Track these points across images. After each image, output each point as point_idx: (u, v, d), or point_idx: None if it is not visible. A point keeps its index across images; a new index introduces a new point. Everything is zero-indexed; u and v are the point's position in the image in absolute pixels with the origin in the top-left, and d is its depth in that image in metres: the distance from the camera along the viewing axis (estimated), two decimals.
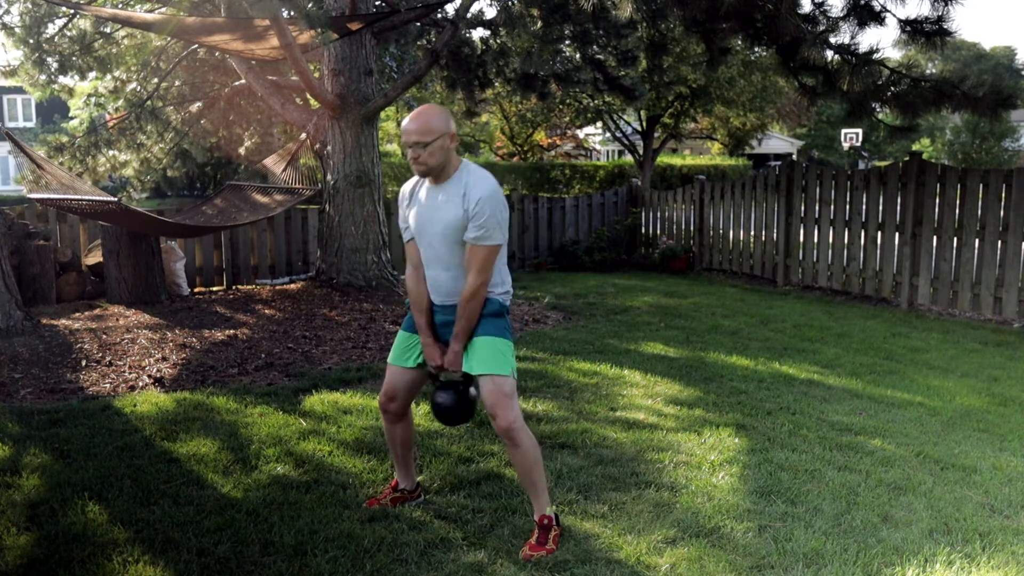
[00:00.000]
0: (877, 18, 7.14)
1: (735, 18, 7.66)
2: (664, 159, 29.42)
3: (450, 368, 3.20)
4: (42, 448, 4.12)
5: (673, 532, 3.26)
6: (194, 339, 6.58)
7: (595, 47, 9.81)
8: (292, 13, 6.87)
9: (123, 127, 10.77)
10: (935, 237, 8.20)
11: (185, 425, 4.50)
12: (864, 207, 8.88)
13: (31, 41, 9.65)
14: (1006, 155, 36.78)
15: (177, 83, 11.31)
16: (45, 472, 3.82)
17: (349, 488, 3.69)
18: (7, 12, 9.82)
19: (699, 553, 3.09)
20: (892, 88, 7.57)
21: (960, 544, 3.20)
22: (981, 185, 7.77)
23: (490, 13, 20.09)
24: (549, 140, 32.44)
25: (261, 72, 9.38)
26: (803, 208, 9.68)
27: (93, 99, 11.21)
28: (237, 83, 10.60)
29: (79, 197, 7.16)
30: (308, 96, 10.22)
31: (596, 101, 19.84)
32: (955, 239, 7.99)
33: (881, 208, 8.69)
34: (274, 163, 9.74)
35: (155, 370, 5.71)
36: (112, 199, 6.87)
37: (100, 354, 6.06)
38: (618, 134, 23.27)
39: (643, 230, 12.46)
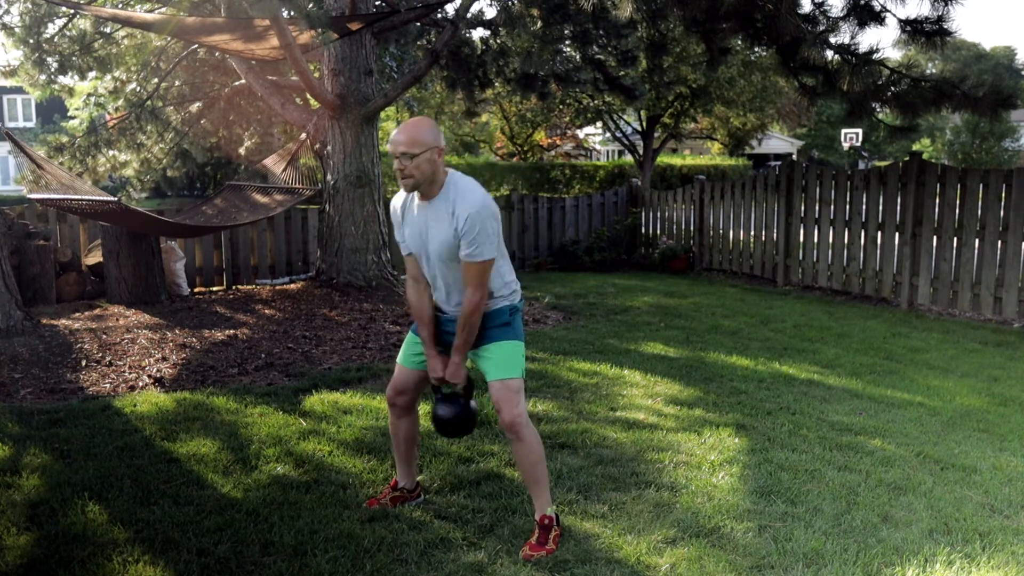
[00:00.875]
0: (877, 18, 7.14)
1: (735, 18, 7.66)
2: (664, 159, 29.42)
3: (451, 380, 3.22)
4: (42, 448, 4.12)
5: (673, 532, 3.26)
6: (194, 339, 6.58)
7: (595, 47, 9.80)
8: (292, 13, 6.86)
9: (123, 127, 10.77)
10: (935, 237, 8.20)
11: (185, 425, 4.50)
12: (864, 207, 8.88)
13: (31, 41, 9.65)
14: (1006, 155, 36.78)
15: (177, 83, 11.31)
16: (45, 472, 3.82)
17: (349, 488, 3.69)
18: (7, 12, 9.82)
19: (699, 553, 3.09)
20: (892, 88, 7.57)
21: (960, 544, 3.20)
22: (981, 185, 7.77)
23: (490, 13, 20.08)
24: (549, 140, 32.43)
25: (261, 72, 9.38)
26: (803, 208, 9.68)
27: (93, 99, 11.20)
28: (237, 83, 10.60)
29: (79, 197, 7.16)
30: (308, 96, 10.22)
31: (596, 101, 19.84)
32: (955, 239, 7.99)
33: (881, 208, 8.69)
34: (274, 163, 9.74)
35: (155, 370, 5.71)
36: (112, 199, 6.87)
37: (100, 354, 6.06)
38: (618, 134, 23.27)
39: (643, 230, 12.46)
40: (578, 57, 10.15)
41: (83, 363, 5.82)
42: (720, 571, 2.97)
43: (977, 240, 7.82)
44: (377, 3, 9.02)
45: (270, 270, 9.95)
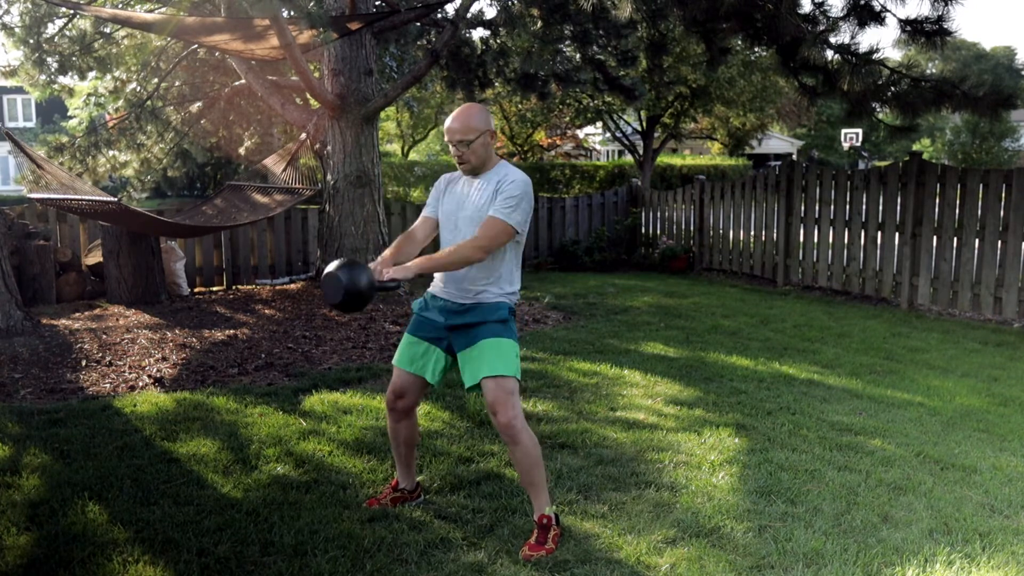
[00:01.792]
0: (877, 18, 7.14)
1: (735, 18, 7.65)
2: (664, 159, 29.42)
3: (395, 275, 3.08)
4: (42, 448, 4.12)
5: (673, 532, 3.26)
6: (194, 339, 6.58)
7: (595, 47, 9.81)
8: (292, 13, 6.87)
9: (123, 127, 10.77)
10: (935, 237, 8.20)
11: (185, 425, 4.50)
12: (864, 207, 8.88)
13: (31, 41, 9.65)
14: (1006, 155, 36.75)
15: (177, 83, 11.31)
16: (45, 472, 3.82)
17: (349, 488, 3.69)
18: (7, 12, 9.82)
19: (699, 553, 3.09)
20: (892, 88, 7.57)
21: (960, 544, 3.20)
22: (981, 185, 7.77)
23: (490, 13, 20.07)
24: (549, 140, 32.41)
25: (261, 72, 9.38)
26: (803, 208, 9.68)
27: (93, 99, 11.21)
28: (237, 83, 10.60)
29: (79, 197, 7.16)
30: (308, 96, 10.22)
31: (596, 101, 19.83)
32: (955, 239, 7.99)
33: (881, 208, 8.69)
34: (274, 163, 9.74)
35: (155, 370, 5.71)
36: (112, 199, 6.87)
37: (100, 354, 6.06)
38: (618, 134, 23.25)
39: (643, 230, 12.46)
40: (578, 57, 10.16)
41: (83, 363, 5.82)
42: (720, 571, 2.97)
43: (977, 240, 7.82)
44: (377, 3, 9.02)
45: (270, 270, 9.95)
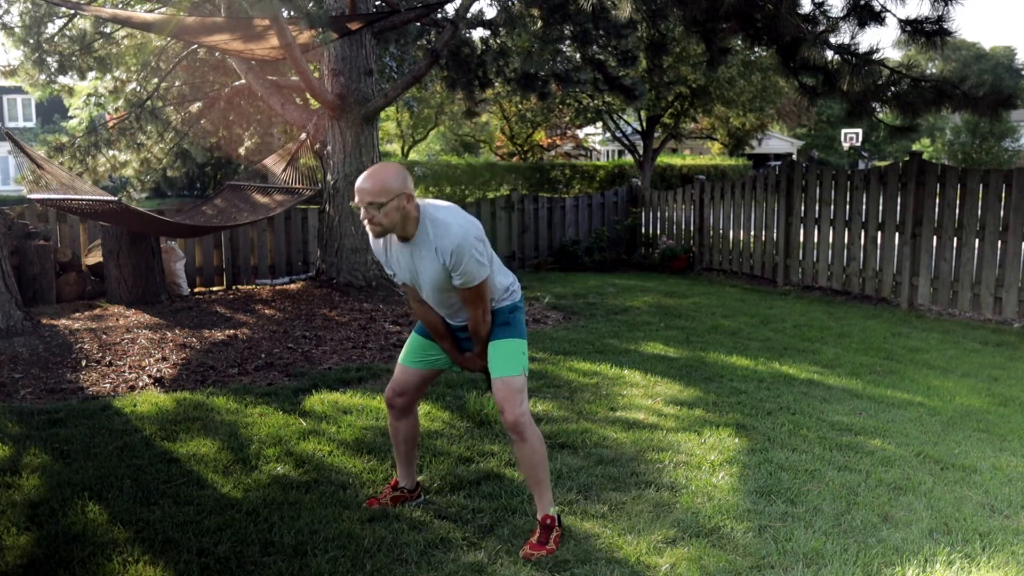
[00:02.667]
0: (877, 18, 7.14)
1: (735, 18, 7.66)
2: (664, 159, 29.41)
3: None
4: (42, 448, 4.12)
5: (673, 532, 3.26)
6: (194, 339, 6.58)
7: (595, 47, 9.81)
8: (292, 13, 6.87)
9: (123, 127, 10.77)
10: (935, 237, 8.20)
11: (185, 425, 4.50)
12: (864, 207, 8.88)
13: (31, 41, 9.65)
14: (1006, 155, 36.75)
15: (177, 83, 11.31)
16: (45, 472, 3.82)
17: (349, 488, 3.69)
18: (7, 12, 9.82)
19: (699, 553, 3.09)
20: (892, 88, 7.57)
21: (960, 544, 3.20)
22: (981, 185, 7.77)
23: (490, 13, 20.09)
24: (549, 140, 32.44)
25: (261, 72, 9.38)
26: (803, 208, 9.68)
27: (93, 99, 11.20)
28: (237, 83, 10.60)
29: (79, 197, 7.16)
30: (308, 96, 10.22)
31: (596, 101, 19.83)
32: (955, 239, 7.98)
33: (881, 208, 8.69)
34: (274, 163, 9.74)
35: (155, 370, 5.71)
36: (112, 199, 6.87)
37: (100, 354, 6.06)
38: (618, 134, 23.26)
39: (643, 230, 12.46)
40: (578, 57, 10.16)
41: (83, 363, 5.82)
42: (720, 571, 2.97)
43: (977, 240, 7.82)
44: (377, 3, 9.02)
45: (270, 270, 9.95)
